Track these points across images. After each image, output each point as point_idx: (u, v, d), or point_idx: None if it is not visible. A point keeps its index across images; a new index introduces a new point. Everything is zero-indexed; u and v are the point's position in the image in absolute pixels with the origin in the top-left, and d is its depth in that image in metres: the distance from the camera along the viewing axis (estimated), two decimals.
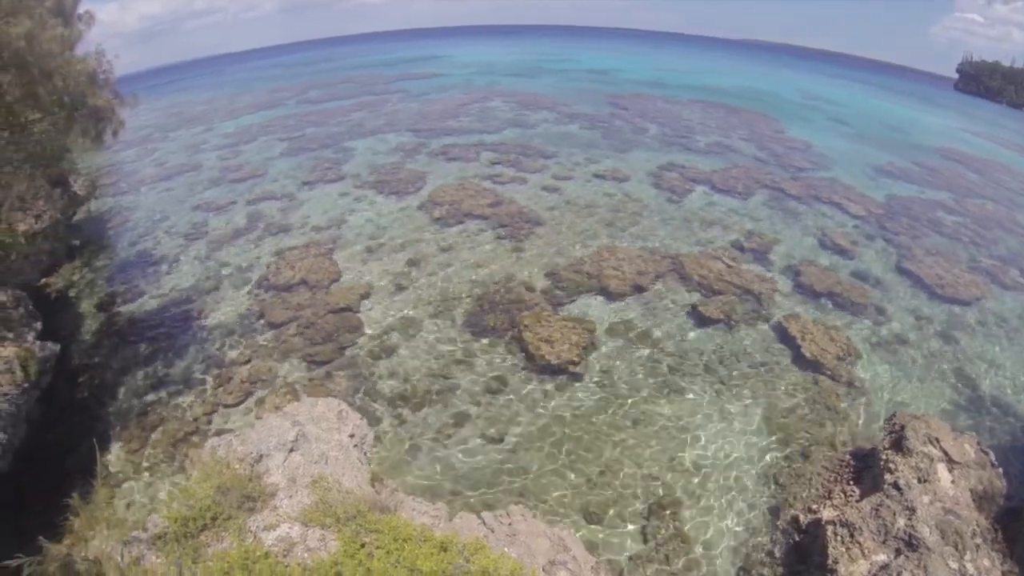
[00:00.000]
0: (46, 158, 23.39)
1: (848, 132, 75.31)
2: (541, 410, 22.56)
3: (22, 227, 29.78)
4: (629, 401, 23.07)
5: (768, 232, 37.92)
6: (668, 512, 18.27)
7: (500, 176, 46.51)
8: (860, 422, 22.62)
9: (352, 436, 16.63)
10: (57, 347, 22.82)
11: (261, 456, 14.81)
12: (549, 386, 23.71)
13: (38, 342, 22.27)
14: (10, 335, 21.91)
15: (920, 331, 28.92)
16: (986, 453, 17.24)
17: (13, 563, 10.41)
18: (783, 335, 27.02)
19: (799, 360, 25.52)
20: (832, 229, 39.20)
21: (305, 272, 31.50)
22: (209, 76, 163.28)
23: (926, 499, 15.39)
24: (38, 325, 23.30)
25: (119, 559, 10.52)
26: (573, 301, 29.36)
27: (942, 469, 16.43)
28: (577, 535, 17.02)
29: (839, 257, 35.49)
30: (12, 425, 19.18)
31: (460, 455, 20.50)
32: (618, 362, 25.29)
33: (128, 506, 18.71)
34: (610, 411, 22.53)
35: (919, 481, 16.02)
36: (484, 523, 15.34)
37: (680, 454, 20.65)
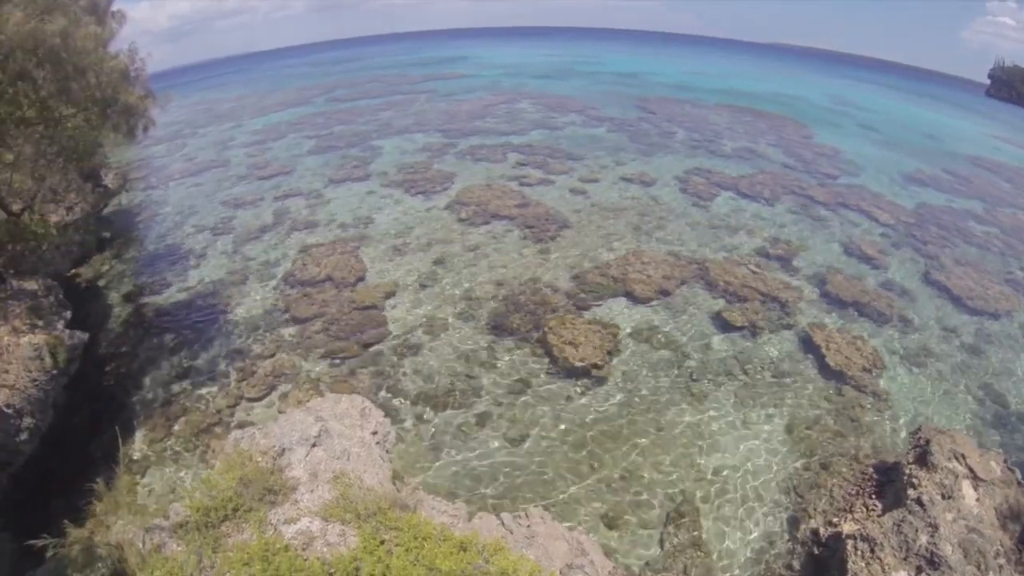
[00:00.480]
0: (79, 152, 23.79)
1: (877, 138, 74.40)
2: (563, 413, 22.55)
3: (54, 218, 30.34)
4: (651, 406, 22.97)
5: (794, 239, 37.58)
6: (687, 520, 18.16)
7: (527, 177, 46.51)
8: (884, 435, 22.32)
9: (375, 433, 16.80)
10: (85, 336, 23.23)
11: (284, 450, 15.03)
12: (572, 389, 23.67)
13: (67, 330, 22.68)
14: (40, 323, 22.33)
15: (948, 343, 28.44)
16: (1012, 471, 16.96)
17: (38, 543, 10.63)
18: (808, 344, 26.72)
19: (823, 369, 25.24)
20: (859, 237, 38.77)
21: (331, 269, 31.72)
22: (239, 74, 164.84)
23: (950, 516, 15.17)
24: (68, 314, 23.71)
25: (140, 545, 10.68)
26: (598, 304, 29.32)
27: (967, 486, 16.19)
28: (595, 539, 17.00)
29: (866, 265, 35.11)
30: (40, 410, 19.59)
31: (481, 456, 20.57)
32: (642, 366, 25.17)
33: (149, 493, 18.96)
34: (632, 415, 22.44)
35: (943, 498, 15.80)
36: (503, 524, 15.41)
37: (700, 461, 20.53)
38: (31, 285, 24.35)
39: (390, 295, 29.53)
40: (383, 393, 23.22)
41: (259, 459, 14.15)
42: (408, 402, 22.79)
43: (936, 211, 46.76)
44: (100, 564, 10.69)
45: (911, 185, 53.66)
